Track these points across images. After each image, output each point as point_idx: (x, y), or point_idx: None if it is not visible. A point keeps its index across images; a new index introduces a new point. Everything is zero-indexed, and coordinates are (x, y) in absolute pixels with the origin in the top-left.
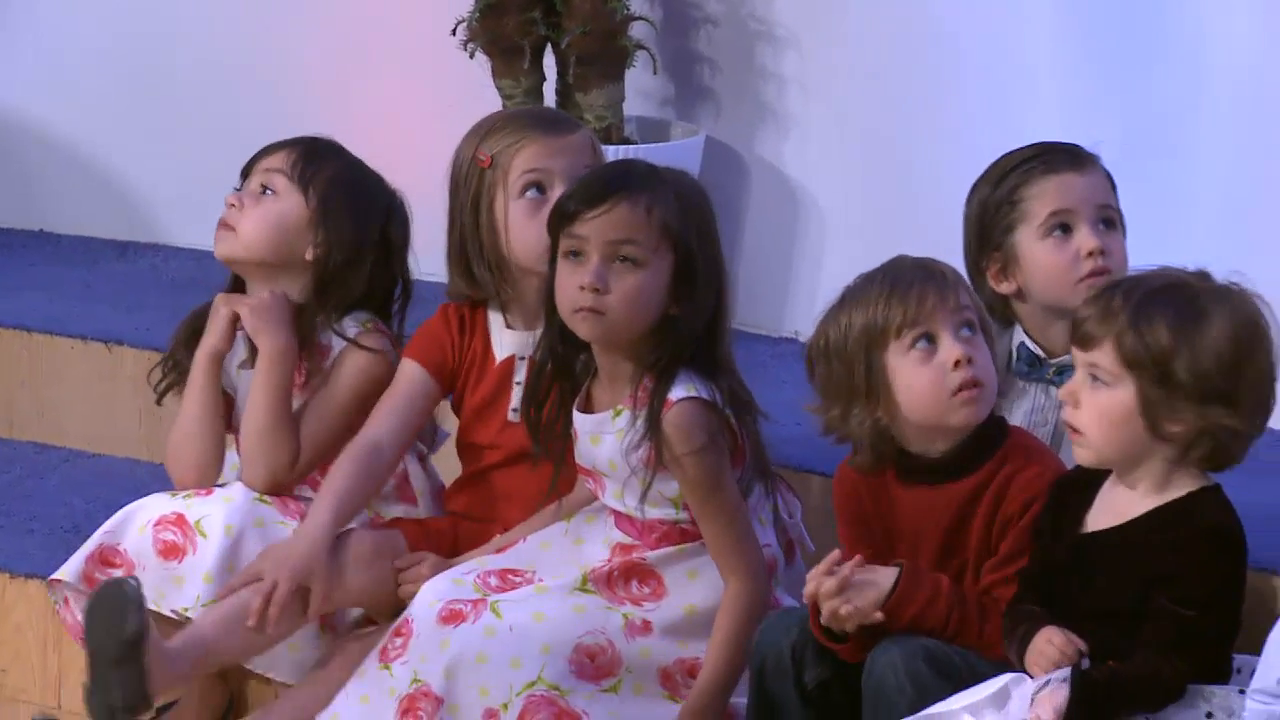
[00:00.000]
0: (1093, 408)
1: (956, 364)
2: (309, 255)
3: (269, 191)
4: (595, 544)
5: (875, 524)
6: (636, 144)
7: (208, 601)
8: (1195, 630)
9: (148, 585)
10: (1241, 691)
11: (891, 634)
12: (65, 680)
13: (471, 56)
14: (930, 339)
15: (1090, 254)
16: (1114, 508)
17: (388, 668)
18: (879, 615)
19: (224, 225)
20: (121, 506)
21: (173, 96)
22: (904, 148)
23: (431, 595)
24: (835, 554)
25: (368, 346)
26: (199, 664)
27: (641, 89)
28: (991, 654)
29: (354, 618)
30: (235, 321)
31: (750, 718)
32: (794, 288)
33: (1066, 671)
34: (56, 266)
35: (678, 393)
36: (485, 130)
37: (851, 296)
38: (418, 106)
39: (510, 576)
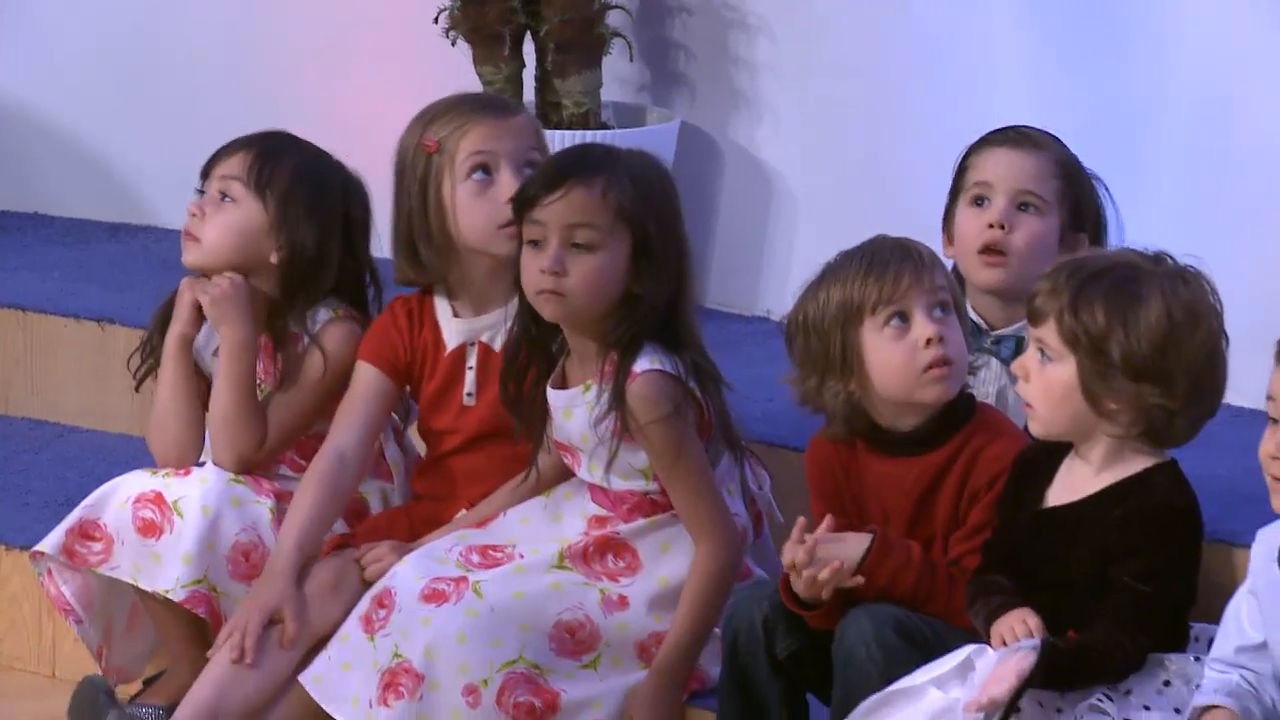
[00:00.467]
0: (1040, 381)
1: (928, 342)
2: (274, 258)
3: (228, 198)
4: (572, 517)
5: (847, 495)
6: (614, 129)
7: (188, 582)
8: (1153, 604)
9: (127, 560)
10: (1199, 659)
11: (862, 602)
12: (59, 648)
13: (453, 44)
14: (904, 317)
15: (991, 225)
16: (1072, 483)
17: (371, 639)
18: (858, 579)
19: (188, 235)
20: (112, 480)
21: (163, 84)
22: (872, 133)
23: (415, 571)
24: (801, 521)
25: (325, 348)
26: None
27: (618, 75)
28: (958, 621)
29: None
30: (200, 306)
31: (723, 689)
32: (766, 268)
33: (1036, 641)
34: (50, 247)
35: (641, 365)
36: (430, 116)
37: (831, 273)
38: (400, 92)
39: (491, 552)
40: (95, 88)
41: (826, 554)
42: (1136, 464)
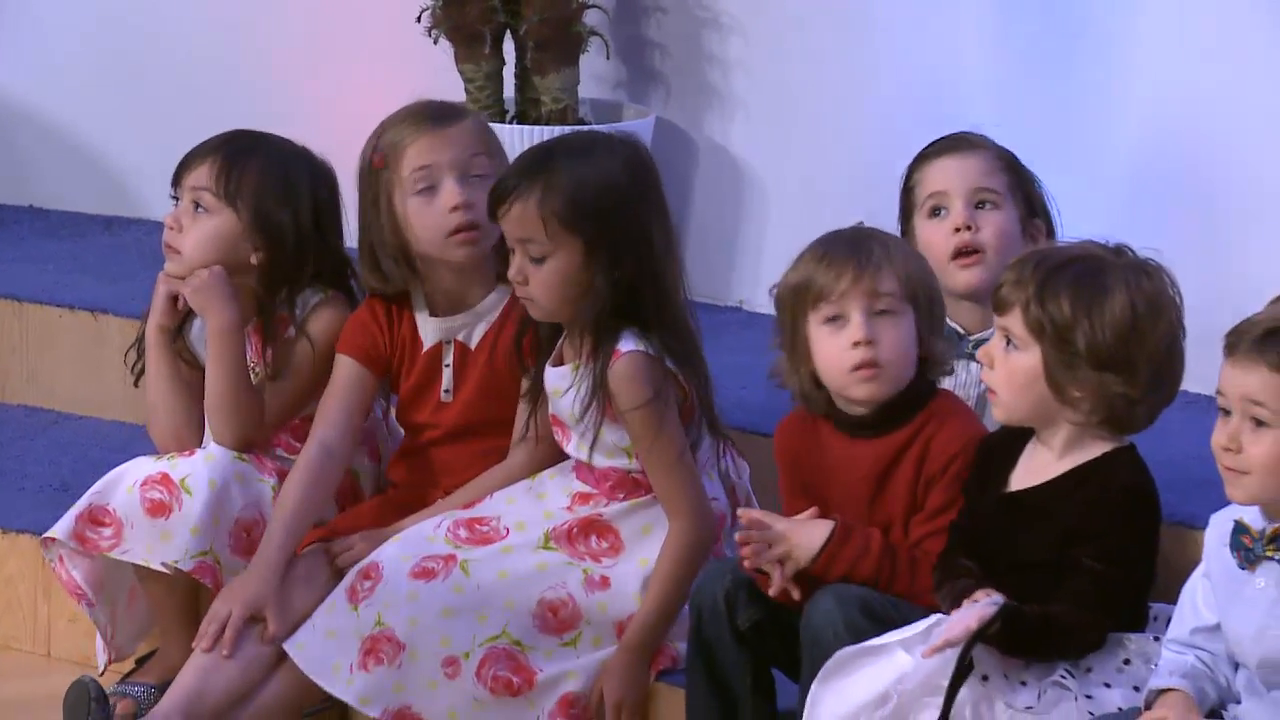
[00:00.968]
0: (1004, 369)
1: (855, 344)
2: (254, 259)
3: (201, 209)
4: (556, 494)
5: (810, 473)
6: (591, 124)
7: (195, 553)
8: (1113, 584)
9: (138, 541)
10: (1158, 639)
11: (823, 584)
12: (54, 629)
13: (435, 43)
14: (841, 315)
15: (958, 229)
16: (1035, 468)
17: (355, 608)
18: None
19: (169, 247)
20: (108, 466)
21: (155, 81)
22: (841, 128)
23: (403, 550)
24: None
25: (311, 335)
26: (190, 711)
27: (595, 73)
28: (922, 603)
29: None
30: (176, 298)
31: (689, 662)
32: (739, 259)
33: (999, 599)
34: (46, 240)
35: (624, 346)
36: (379, 132)
37: (801, 254)
38: (384, 89)
39: (479, 527)
40: (90, 86)
41: (787, 546)
42: (1096, 449)
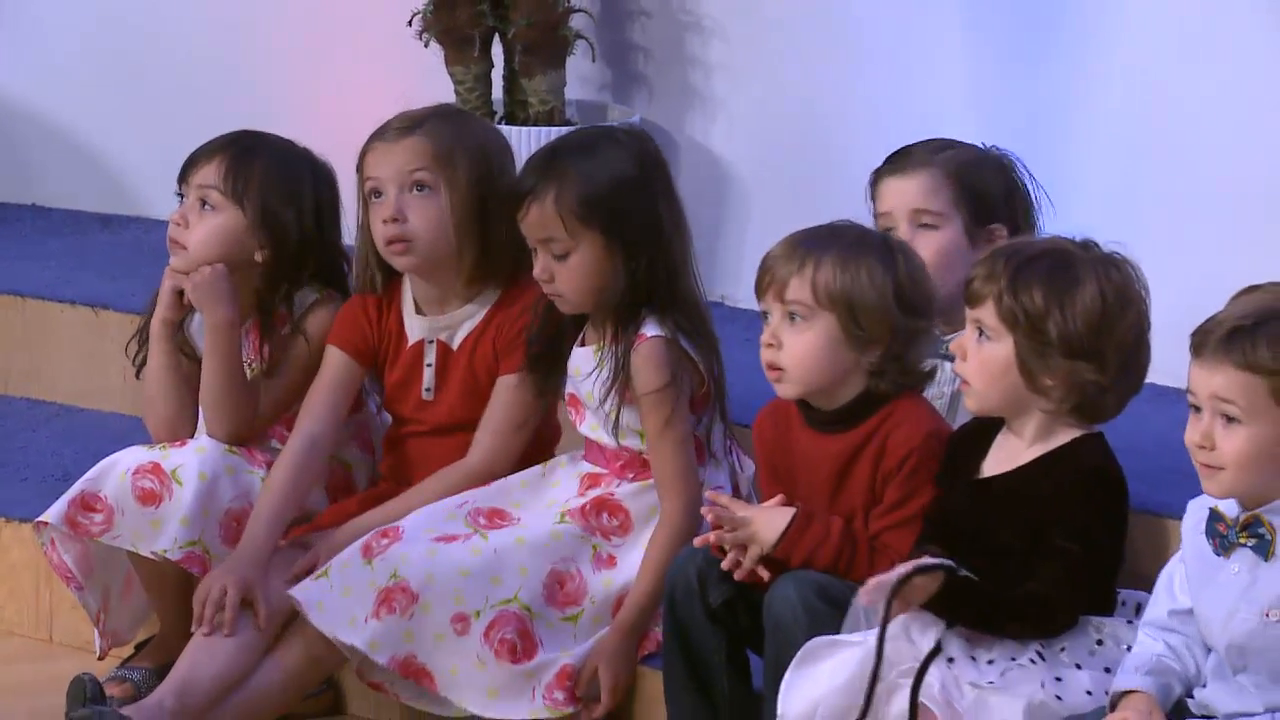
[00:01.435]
0: (976, 360)
1: (766, 344)
2: (259, 256)
3: (207, 206)
4: (567, 479)
5: (781, 463)
6: (577, 125)
7: (184, 543)
8: (1083, 564)
9: (128, 529)
10: (1130, 622)
11: (789, 568)
12: (56, 615)
13: (426, 46)
14: (767, 311)
15: None
16: (1005, 455)
17: (369, 563)
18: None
19: (174, 242)
20: (106, 456)
21: (154, 82)
22: (820, 129)
23: (427, 521)
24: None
25: (308, 332)
26: (184, 693)
27: (581, 75)
28: None
29: None
30: (181, 293)
31: (666, 643)
32: (721, 256)
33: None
34: (48, 238)
35: (647, 331)
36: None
37: None
38: (376, 91)
39: (496, 518)
40: (90, 87)
41: (750, 529)
42: (1065, 435)
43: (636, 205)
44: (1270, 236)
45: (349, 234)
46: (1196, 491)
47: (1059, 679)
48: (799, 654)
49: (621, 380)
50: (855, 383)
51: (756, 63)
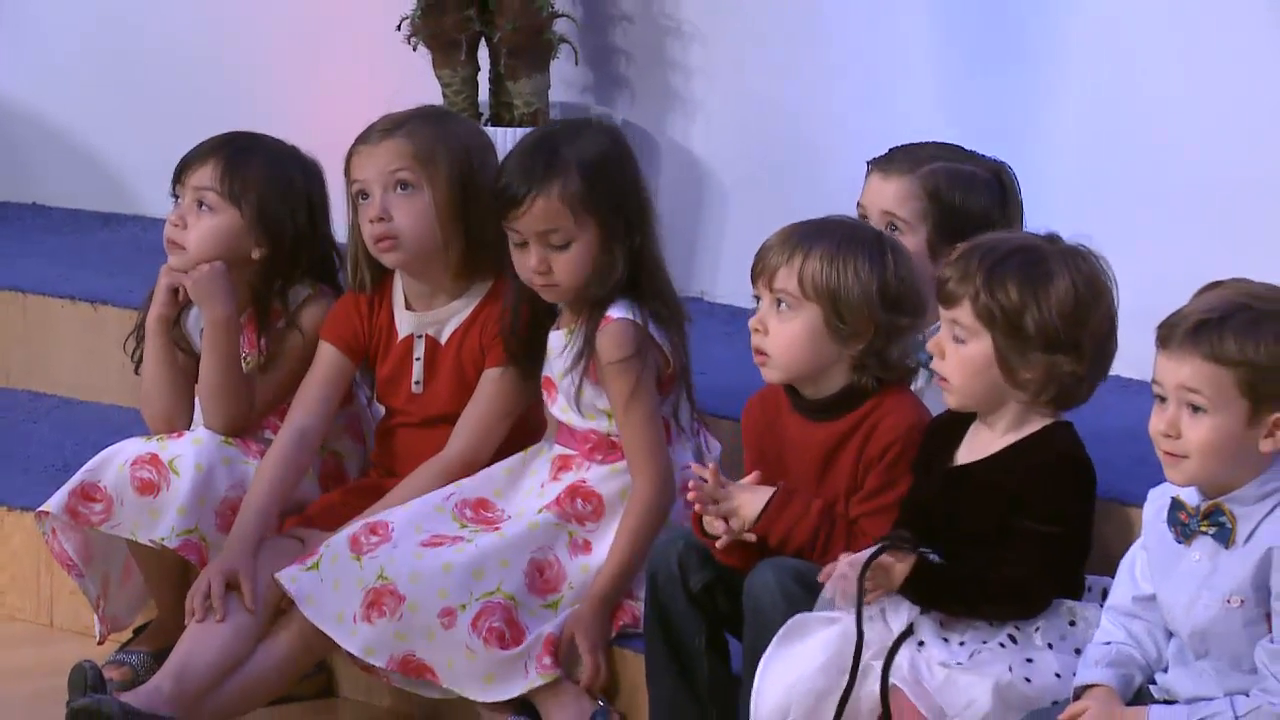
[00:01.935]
0: (955, 359)
1: (754, 329)
2: (255, 254)
3: (204, 207)
4: (542, 468)
5: (770, 448)
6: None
7: (181, 531)
8: (1054, 546)
9: (127, 518)
10: (1101, 605)
11: (769, 548)
12: (56, 600)
13: (414, 49)
14: (759, 297)
15: None
16: (978, 444)
17: (358, 559)
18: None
19: (172, 243)
20: (105, 447)
21: (151, 85)
22: (795, 130)
23: (415, 519)
24: (714, 467)
25: (302, 326)
26: (181, 677)
27: (564, 78)
28: None
29: None
30: (177, 290)
31: (647, 625)
32: (700, 253)
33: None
34: (48, 235)
35: (614, 313)
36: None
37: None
38: (366, 93)
39: (483, 511)
40: (89, 89)
41: (733, 503)
42: (1036, 424)
43: (625, 186)
44: (1232, 231)
45: (339, 231)
46: (1159, 480)
47: (1029, 660)
48: (781, 630)
49: (586, 355)
50: (839, 373)
51: (734, 66)
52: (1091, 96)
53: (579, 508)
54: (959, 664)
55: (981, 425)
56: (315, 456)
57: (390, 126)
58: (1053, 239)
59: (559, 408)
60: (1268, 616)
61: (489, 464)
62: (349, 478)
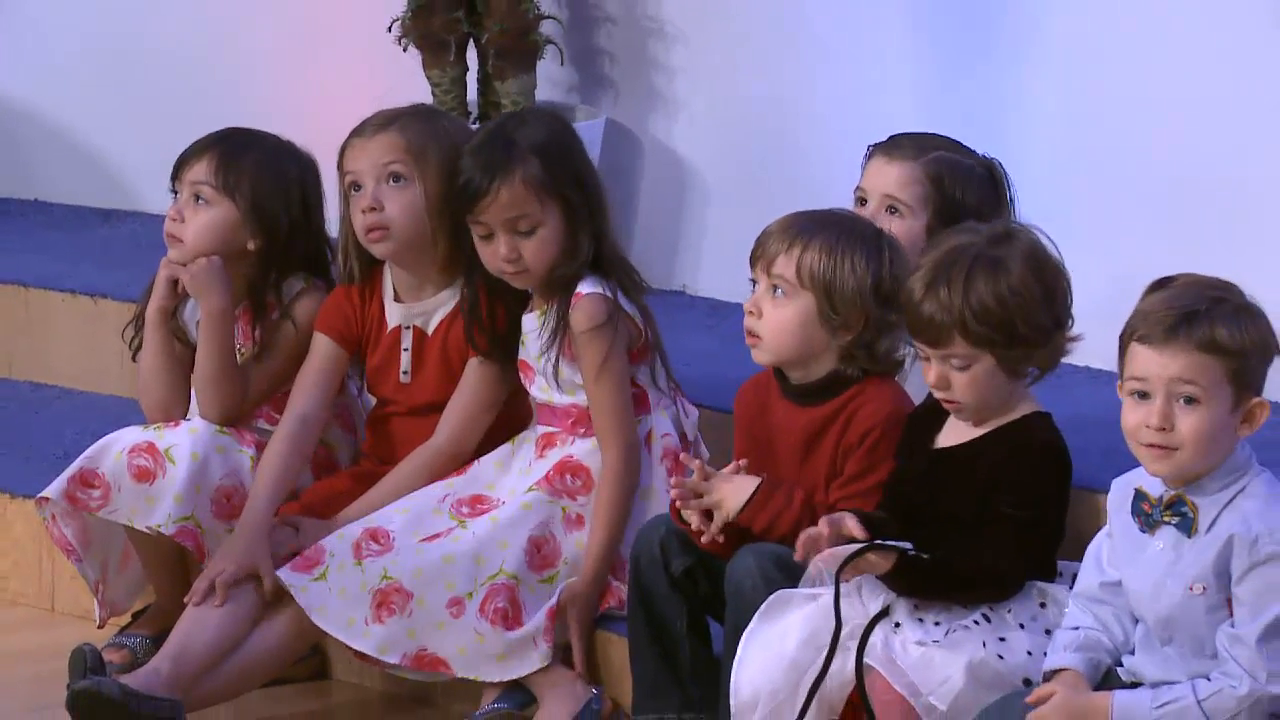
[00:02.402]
0: (967, 388)
1: (748, 311)
2: (251, 246)
3: (201, 200)
4: (528, 449)
5: (759, 433)
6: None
7: (178, 518)
8: (1029, 530)
9: (124, 504)
10: (1070, 588)
11: (751, 536)
12: (58, 585)
13: (405, 50)
14: (755, 281)
15: None
16: (959, 430)
17: (360, 564)
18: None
19: (171, 236)
20: (105, 436)
21: (149, 85)
22: (776, 129)
23: (414, 524)
24: (699, 464)
25: (295, 318)
26: (179, 660)
27: (551, 78)
28: None
29: None
30: (176, 282)
31: (631, 609)
32: (682, 248)
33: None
34: (49, 231)
35: (583, 288)
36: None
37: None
38: (358, 93)
39: (478, 505)
40: (89, 88)
41: (717, 495)
42: (1016, 412)
43: (579, 164)
44: (1199, 227)
45: (331, 227)
46: (1129, 469)
47: (1002, 639)
48: (764, 605)
49: (561, 331)
50: (826, 361)
51: (716, 66)
52: (1062, 95)
53: (568, 483)
54: (935, 642)
55: None
56: (317, 440)
57: (384, 121)
58: (975, 229)
59: (538, 388)
60: (1229, 602)
61: (476, 449)
62: (340, 466)
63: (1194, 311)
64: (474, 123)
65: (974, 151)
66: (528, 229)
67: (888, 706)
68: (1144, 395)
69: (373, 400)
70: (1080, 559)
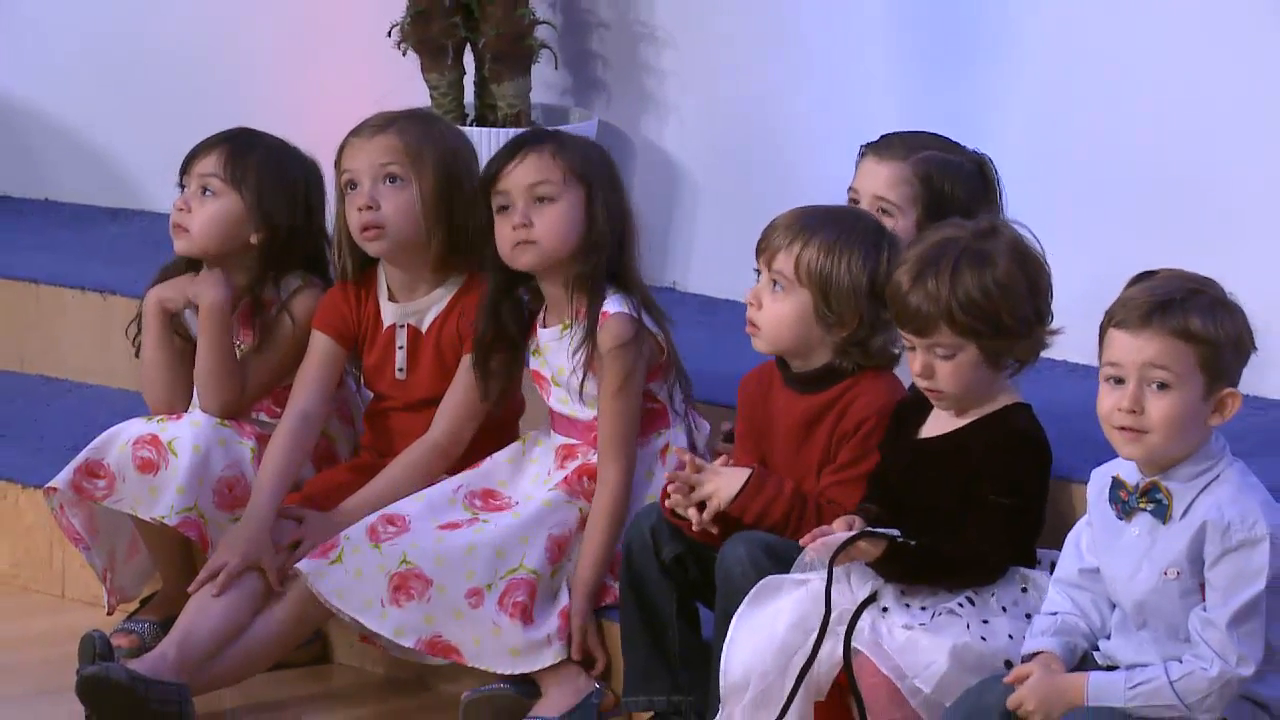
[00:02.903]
0: (952, 377)
1: (747, 300)
2: (254, 239)
3: (209, 192)
4: (545, 458)
5: (759, 419)
6: (542, 126)
7: (181, 509)
8: (1012, 517)
9: (129, 494)
10: (1050, 575)
11: (741, 526)
12: (68, 573)
13: (404, 54)
14: (758, 271)
15: None
16: (943, 420)
17: (377, 547)
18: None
19: (177, 227)
20: (114, 426)
21: (155, 88)
22: (763, 129)
23: (429, 511)
24: (689, 458)
25: (294, 313)
26: (185, 645)
27: (545, 81)
28: None
29: None
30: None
31: (622, 594)
32: (672, 245)
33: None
34: (59, 229)
35: (610, 308)
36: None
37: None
38: (358, 96)
39: (492, 500)
40: (96, 92)
41: (710, 487)
42: (998, 403)
43: (613, 183)
44: (1172, 224)
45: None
46: (1105, 459)
47: (985, 622)
48: (754, 590)
49: (588, 348)
50: (823, 353)
51: (705, 70)
52: (1040, 96)
53: (586, 486)
54: (921, 626)
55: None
56: (317, 435)
57: (382, 123)
58: (961, 224)
59: (557, 400)
60: (1202, 587)
61: (471, 441)
62: (340, 458)
63: (1170, 300)
64: (471, 124)
65: (964, 148)
66: (546, 195)
67: (874, 688)
68: (1119, 380)
69: (370, 394)
70: (1060, 547)
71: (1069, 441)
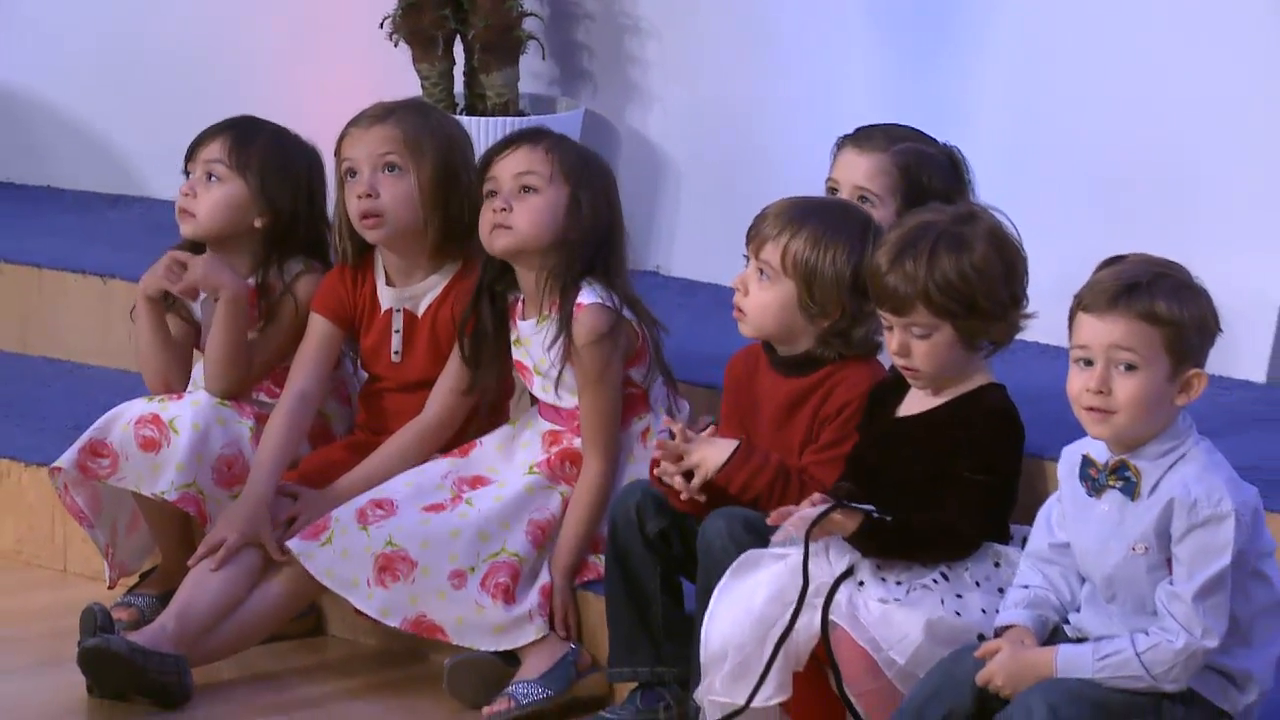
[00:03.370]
0: (929, 357)
1: (735, 286)
2: (258, 224)
3: (214, 178)
4: (532, 437)
5: (744, 399)
6: (529, 115)
7: (180, 485)
8: (987, 493)
9: (131, 471)
10: (1022, 550)
11: (726, 498)
12: (69, 548)
13: (395, 45)
14: (747, 257)
15: None
16: (919, 400)
17: (365, 529)
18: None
19: (183, 212)
20: (117, 406)
21: (155, 78)
22: (744, 120)
23: (416, 495)
24: (679, 426)
25: (296, 296)
26: (184, 618)
27: (533, 71)
28: None
29: None
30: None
31: (608, 568)
32: (656, 231)
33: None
34: (61, 215)
35: (584, 299)
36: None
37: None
38: (351, 86)
39: (480, 485)
40: (98, 80)
41: (697, 456)
42: (973, 383)
43: (604, 192)
44: (1134, 212)
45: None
46: (1075, 437)
47: (959, 596)
48: (735, 563)
49: (564, 341)
50: (805, 340)
51: (689, 61)
52: (1011, 90)
53: (568, 470)
54: (896, 600)
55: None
56: (314, 415)
57: (381, 113)
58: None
59: (539, 388)
60: (1169, 562)
61: (462, 421)
62: (335, 437)
63: (1136, 284)
64: (461, 113)
65: (936, 140)
66: (530, 185)
67: (851, 660)
68: (1088, 362)
69: (366, 375)
70: (1032, 523)
71: (1041, 420)
